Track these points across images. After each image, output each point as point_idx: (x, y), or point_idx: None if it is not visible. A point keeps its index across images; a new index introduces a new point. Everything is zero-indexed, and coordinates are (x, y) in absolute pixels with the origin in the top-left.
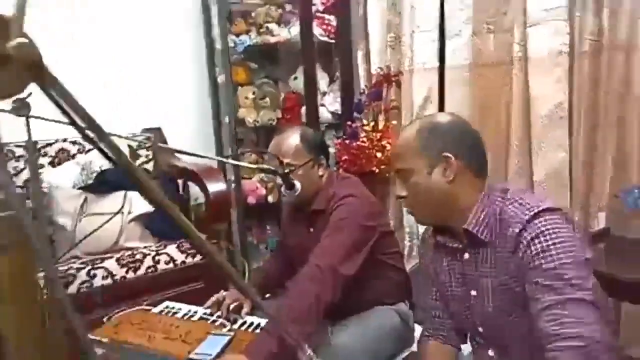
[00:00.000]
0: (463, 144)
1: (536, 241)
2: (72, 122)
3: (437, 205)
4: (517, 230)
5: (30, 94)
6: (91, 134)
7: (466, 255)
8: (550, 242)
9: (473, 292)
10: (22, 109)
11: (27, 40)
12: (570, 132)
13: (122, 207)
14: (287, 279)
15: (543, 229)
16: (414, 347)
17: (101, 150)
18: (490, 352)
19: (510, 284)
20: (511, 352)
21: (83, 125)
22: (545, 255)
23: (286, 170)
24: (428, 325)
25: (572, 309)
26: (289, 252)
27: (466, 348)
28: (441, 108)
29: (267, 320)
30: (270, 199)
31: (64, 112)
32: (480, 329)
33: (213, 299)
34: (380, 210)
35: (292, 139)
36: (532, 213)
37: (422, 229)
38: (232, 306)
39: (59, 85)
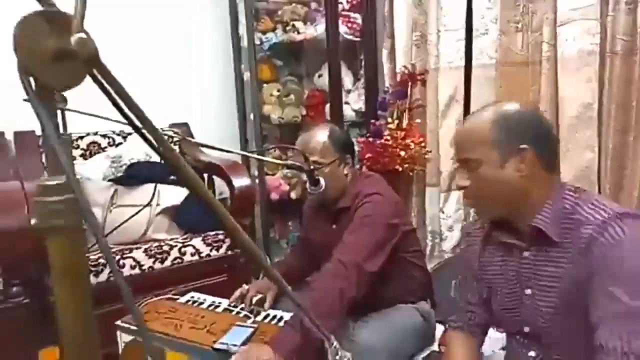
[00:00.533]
0: (539, 136)
1: (611, 245)
2: (122, 114)
3: (504, 199)
4: (590, 231)
5: (67, 87)
6: (139, 124)
7: (526, 253)
8: (628, 249)
9: (527, 291)
10: (58, 102)
11: (86, 36)
12: (599, 132)
13: (152, 199)
14: (308, 273)
15: (621, 234)
16: (435, 346)
17: (147, 141)
18: (532, 353)
19: (573, 286)
20: (555, 355)
21: (132, 116)
22: (621, 263)
23: (312, 167)
24: (455, 318)
25: (632, 324)
26: (310, 248)
27: (486, 349)
28: (466, 107)
29: (290, 313)
30: (292, 195)
31: (115, 104)
32: (527, 329)
33: (237, 293)
34: (404, 209)
35: (321, 136)
36: (608, 215)
37: (444, 228)
38: (255, 299)
39: (113, 79)
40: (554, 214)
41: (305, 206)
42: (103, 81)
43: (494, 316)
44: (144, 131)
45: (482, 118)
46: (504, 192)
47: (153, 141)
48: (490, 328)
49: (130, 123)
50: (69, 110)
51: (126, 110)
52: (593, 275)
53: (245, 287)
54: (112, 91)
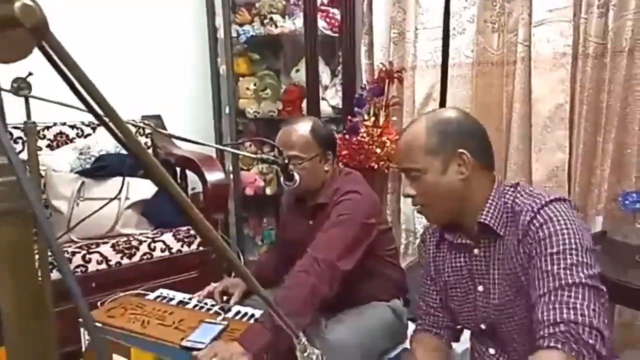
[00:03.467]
0: (474, 138)
1: (544, 227)
2: (79, 96)
3: (451, 202)
4: (528, 218)
5: (30, 74)
6: (99, 111)
7: (475, 251)
8: (557, 227)
9: (480, 288)
10: (22, 88)
11: (32, 3)
12: (570, 133)
13: (120, 192)
14: (283, 274)
15: (552, 215)
16: (407, 344)
17: (108, 128)
18: (492, 350)
19: (517, 272)
20: (512, 350)
21: (90, 100)
22: (552, 240)
23: (290, 162)
24: (422, 321)
25: (567, 294)
26: (287, 245)
27: (459, 347)
28: (442, 105)
29: (261, 311)
30: (268, 191)
31: (68, 82)
32: (483, 326)
33: (205, 291)
34: (381, 208)
35: (303, 130)
36: (543, 202)
37: (419, 226)
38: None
39: (65, 53)
40: (497, 209)
41: (283, 201)
42: (53, 55)
43: (454, 317)
44: (99, 112)
45: (417, 127)
46: (449, 196)
47: (109, 123)
48: (461, 331)
49: (87, 106)
50: (32, 97)
51: (81, 90)
52: (531, 259)
53: (213, 285)
54: (64, 68)
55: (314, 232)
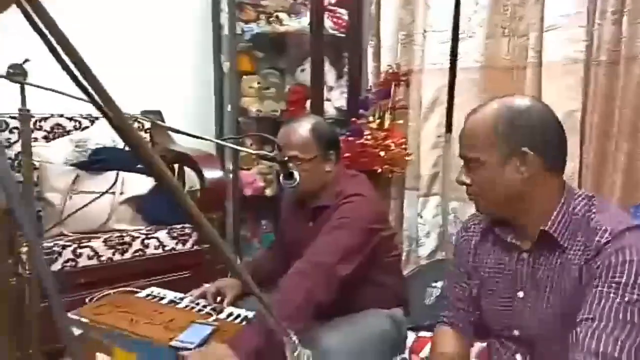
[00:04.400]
0: (545, 138)
1: (619, 253)
2: (74, 78)
3: (506, 200)
4: (604, 240)
5: (27, 60)
6: (95, 95)
7: (524, 255)
8: (632, 258)
9: (520, 294)
10: (17, 75)
11: None
12: (581, 142)
13: (112, 186)
14: (278, 274)
15: (631, 243)
16: (405, 354)
17: (102, 112)
18: (519, 357)
19: (571, 294)
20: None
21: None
22: (622, 269)
23: (286, 159)
24: (447, 314)
25: (618, 329)
26: (285, 246)
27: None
28: (449, 110)
29: (253, 313)
30: (267, 192)
31: (59, 60)
32: (516, 332)
33: (198, 292)
34: (386, 213)
35: (303, 130)
36: (624, 226)
37: (421, 233)
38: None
39: (49, 19)
40: (564, 218)
41: (283, 200)
42: (35, 18)
43: (482, 315)
44: (90, 91)
45: (485, 115)
46: (504, 193)
47: (100, 103)
48: (480, 331)
49: (80, 87)
50: (28, 84)
51: (70, 64)
52: (593, 281)
53: (206, 285)
54: (50, 36)
55: (314, 234)
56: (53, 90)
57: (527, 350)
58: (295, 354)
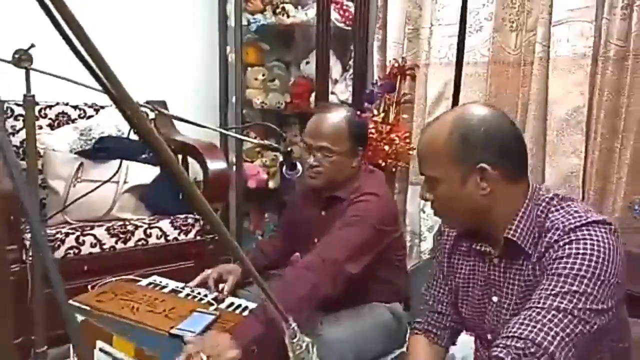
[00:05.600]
0: (502, 150)
1: (567, 247)
2: (84, 63)
3: (470, 215)
4: (555, 237)
5: (32, 46)
6: (105, 81)
7: (495, 261)
8: (579, 251)
9: (494, 298)
10: (23, 60)
11: None
12: (587, 138)
13: (115, 174)
14: (283, 258)
15: (581, 237)
16: (405, 348)
17: (113, 98)
18: None
19: (531, 294)
20: None
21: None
22: (567, 261)
23: (320, 155)
24: (421, 320)
25: (548, 317)
26: (293, 231)
27: (457, 352)
28: (455, 105)
29: (255, 303)
30: (271, 184)
31: (70, 45)
32: (489, 336)
33: (199, 277)
34: (397, 214)
35: (339, 121)
36: (579, 222)
37: (424, 228)
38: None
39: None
40: (526, 224)
41: (297, 185)
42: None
43: (461, 319)
44: (96, 71)
45: (439, 130)
46: (465, 209)
47: (105, 82)
48: (460, 333)
49: (91, 71)
50: (33, 69)
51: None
52: (542, 275)
53: (207, 271)
54: (63, 24)
55: (325, 223)
56: (58, 77)
57: None
58: (295, 340)
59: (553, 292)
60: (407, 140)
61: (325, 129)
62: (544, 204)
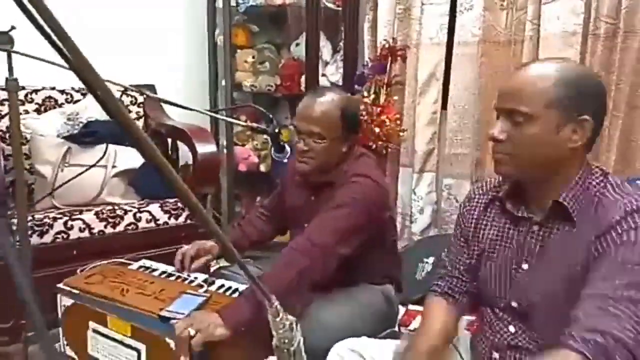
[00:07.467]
0: (602, 108)
1: (631, 232)
2: (58, 50)
3: (543, 164)
4: (617, 217)
5: (13, 28)
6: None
7: (535, 227)
8: None
9: (525, 266)
10: (3, 43)
11: None
12: None
13: (102, 158)
14: (268, 237)
15: None
16: (396, 328)
17: (87, 85)
18: (512, 328)
19: (580, 270)
20: (537, 335)
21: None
22: (633, 249)
23: (310, 140)
24: (441, 283)
25: (621, 307)
26: (282, 212)
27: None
28: (446, 85)
29: (245, 285)
30: (262, 167)
31: (39, 28)
32: (514, 304)
33: (179, 256)
34: (388, 196)
35: (331, 106)
36: (636, 205)
37: (415, 210)
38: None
39: None
40: (579, 193)
41: (288, 168)
42: None
43: (478, 285)
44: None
45: (548, 72)
46: (545, 157)
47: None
48: (476, 301)
49: (63, 57)
50: (15, 52)
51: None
52: (601, 257)
53: (184, 248)
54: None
55: (315, 208)
56: (40, 59)
57: (522, 321)
58: (278, 319)
59: (623, 281)
60: (398, 122)
61: (317, 114)
62: (600, 177)
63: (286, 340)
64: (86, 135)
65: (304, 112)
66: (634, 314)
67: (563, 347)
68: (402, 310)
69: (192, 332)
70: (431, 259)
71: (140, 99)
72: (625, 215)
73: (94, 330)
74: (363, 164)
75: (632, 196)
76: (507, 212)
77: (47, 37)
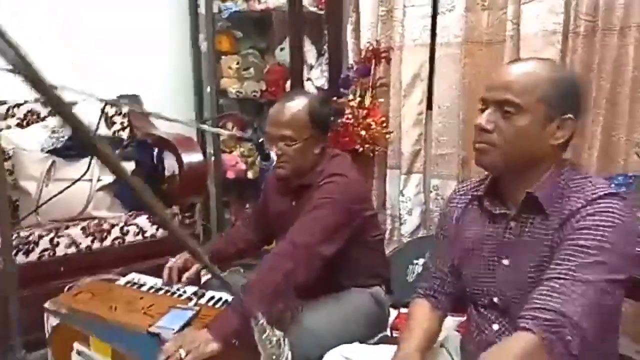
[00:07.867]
0: (583, 111)
1: (589, 218)
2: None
3: (526, 157)
4: (579, 205)
5: None
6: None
7: (512, 223)
8: (601, 223)
9: (505, 262)
10: None
11: None
12: None
13: (86, 172)
14: (254, 247)
15: (602, 209)
16: (387, 332)
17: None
18: (495, 326)
19: (545, 259)
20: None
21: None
22: (589, 233)
23: (282, 144)
24: (424, 285)
25: (572, 288)
26: (266, 221)
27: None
28: (430, 86)
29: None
30: (250, 174)
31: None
32: (496, 300)
33: (166, 270)
34: (368, 193)
35: (299, 110)
36: (601, 193)
37: (404, 211)
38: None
39: None
40: (550, 186)
41: (269, 176)
42: None
43: (462, 284)
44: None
45: (542, 68)
46: (528, 151)
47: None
48: (458, 301)
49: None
50: None
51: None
52: (561, 244)
53: (171, 260)
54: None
55: (296, 213)
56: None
57: (504, 319)
58: (264, 336)
59: (576, 263)
60: (384, 125)
61: (286, 117)
62: (568, 171)
63: (274, 357)
64: (70, 149)
65: (274, 117)
66: (585, 292)
67: (517, 329)
68: (393, 313)
69: (183, 354)
70: (421, 261)
71: (125, 109)
72: (586, 203)
73: (78, 352)
74: (338, 163)
75: (596, 186)
76: (486, 211)
77: None
